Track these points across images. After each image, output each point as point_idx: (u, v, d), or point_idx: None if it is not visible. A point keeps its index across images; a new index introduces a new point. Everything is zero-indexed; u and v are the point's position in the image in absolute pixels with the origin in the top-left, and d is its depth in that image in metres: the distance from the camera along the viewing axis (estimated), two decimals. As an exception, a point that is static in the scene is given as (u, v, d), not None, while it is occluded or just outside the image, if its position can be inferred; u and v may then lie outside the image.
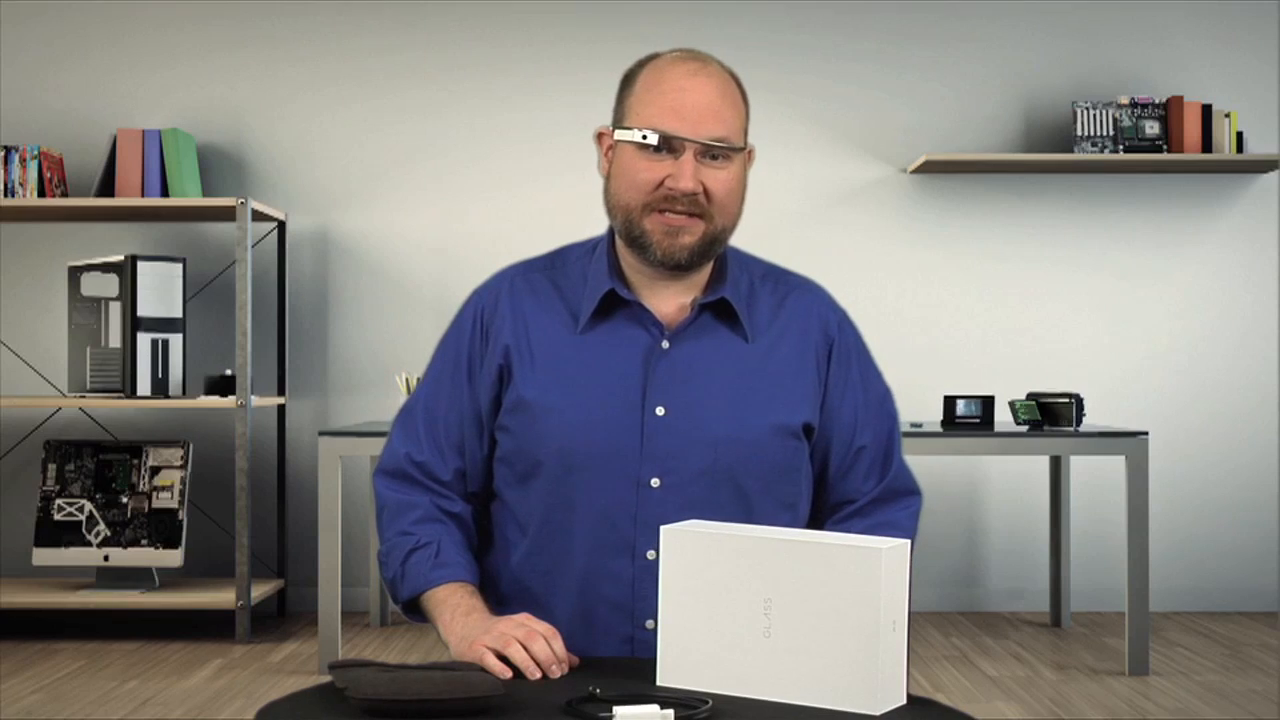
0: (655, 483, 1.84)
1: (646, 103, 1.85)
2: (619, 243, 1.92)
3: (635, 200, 1.85)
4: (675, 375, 1.87)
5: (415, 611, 1.90)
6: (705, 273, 1.92)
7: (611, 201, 1.89)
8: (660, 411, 1.85)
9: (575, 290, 1.92)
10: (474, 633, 1.73)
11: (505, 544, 1.92)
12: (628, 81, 1.90)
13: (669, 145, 1.83)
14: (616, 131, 1.88)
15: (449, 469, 1.93)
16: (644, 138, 1.83)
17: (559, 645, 1.69)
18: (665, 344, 1.88)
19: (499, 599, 1.92)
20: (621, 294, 1.89)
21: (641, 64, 1.90)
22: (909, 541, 1.59)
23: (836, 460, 1.94)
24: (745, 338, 1.90)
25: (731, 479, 1.85)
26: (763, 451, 1.86)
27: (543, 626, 1.71)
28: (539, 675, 1.66)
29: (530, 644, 1.68)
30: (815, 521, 1.98)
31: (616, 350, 1.88)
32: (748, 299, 1.93)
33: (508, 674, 1.66)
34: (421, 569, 1.87)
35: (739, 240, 2.01)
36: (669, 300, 1.91)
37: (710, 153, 1.83)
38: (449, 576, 1.85)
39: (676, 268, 1.87)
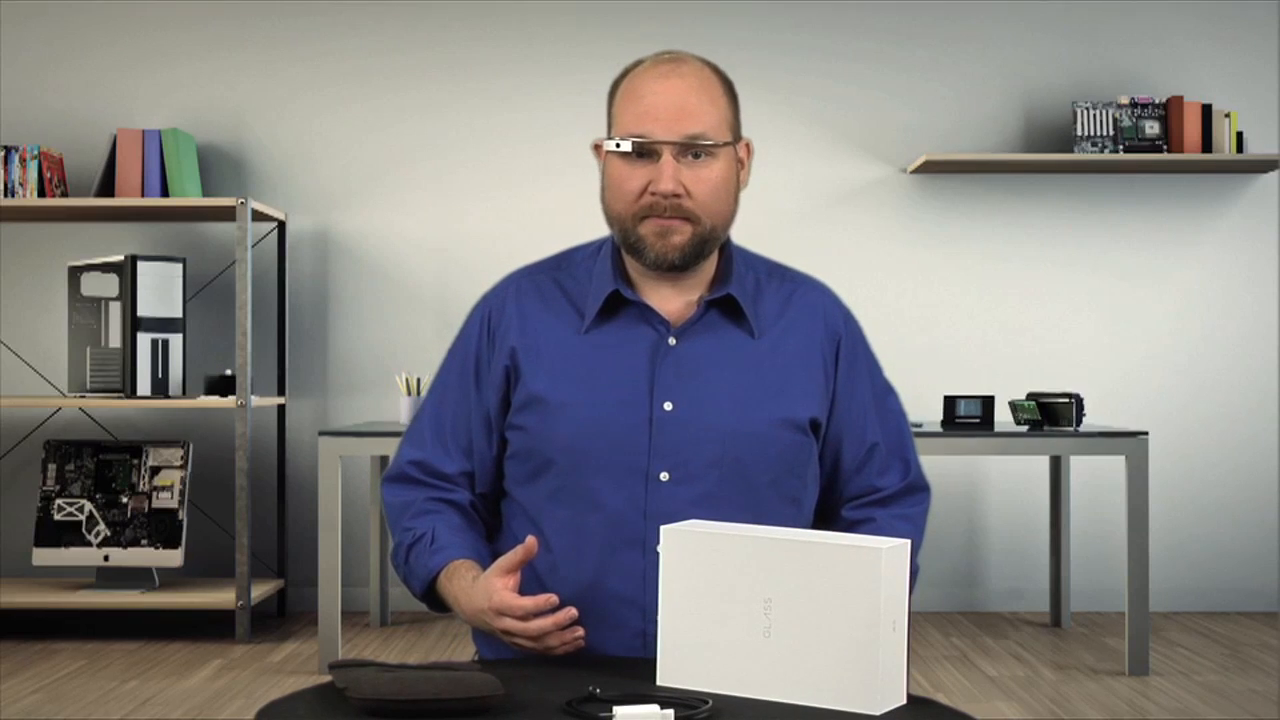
0: (664, 477, 1.86)
1: (623, 111, 1.88)
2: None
3: (625, 210, 1.88)
4: (682, 371, 1.88)
5: (437, 603, 1.92)
6: (710, 270, 1.94)
7: (606, 212, 1.92)
8: (668, 406, 1.87)
9: (581, 291, 1.94)
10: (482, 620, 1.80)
11: (515, 541, 1.92)
12: (612, 93, 1.93)
13: (647, 150, 1.85)
14: (604, 143, 1.90)
15: (454, 467, 1.96)
16: (618, 146, 1.85)
17: (535, 625, 1.72)
18: (672, 340, 1.90)
19: None
20: (626, 294, 1.91)
21: (624, 73, 1.92)
22: (909, 541, 1.60)
23: (850, 456, 1.97)
24: (751, 334, 1.92)
25: (740, 472, 1.87)
26: (770, 444, 1.88)
27: (511, 625, 1.74)
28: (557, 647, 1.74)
29: (523, 638, 1.74)
30: (827, 514, 2.01)
31: (623, 348, 1.90)
32: (754, 296, 1.94)
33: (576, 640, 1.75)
34: (421, 559, 1.90)
35: (739, 239, 2.02)
36: (674, 298, 1.93)
37: (690, 151, 1.85)
38: (443, 560, 1.88)
39: (671, 269, 1.89)
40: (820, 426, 1.93)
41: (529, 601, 1.72)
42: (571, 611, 1.73)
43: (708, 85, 1.88)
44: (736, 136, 1.91)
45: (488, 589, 1.76)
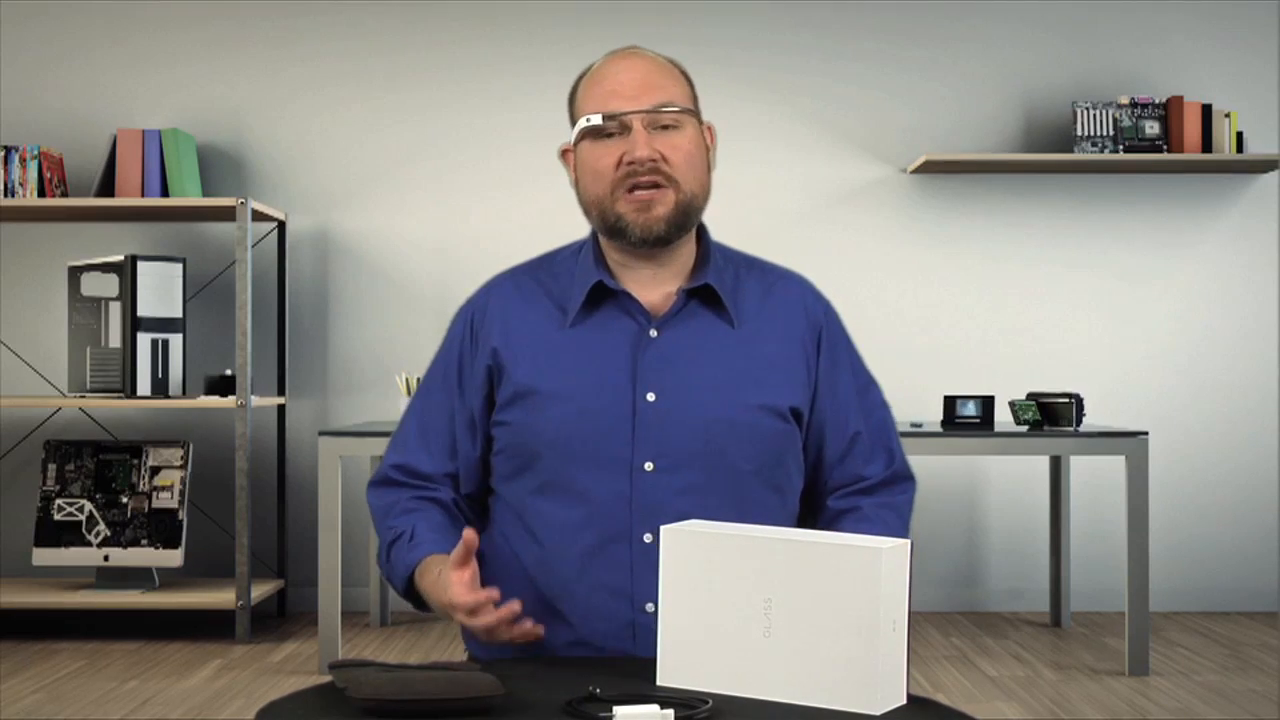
0: (649, 467, 1.87)
1: (587, 98, 1.93)
2: (602, 239, 1.97)
3: (602, 188, 1.91)
4: (664, 361, 1.90)
5: (419, 600, 1.93)
6: (689, 262, 1.97)
7: (584, 200, 1.95)
8: (651, 397, 1.89)
9: (563, 288, 1.97)
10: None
11: (504, 537, 1.94)
12: (571, 95, 1.98)
13: (618, 125, 1.89)
14: (574, 132, 1.94)
15: (436, 468, 1.98)
16: (588, 121, 1.90)
17: (480, 620, 1.74)
18: (653, 332, 1.92)
19: (502, 593, 1.93)
20: (609, 284, 1.93)
21: (580, 76, 1.99)
22: (909, 541, 1.60)
23: (833, 446, 1.98)
24: (731, 324, 1.94)
25: (723, 461, 1.88)
26: (753, 432, 1.90)
27: (463, 619, 1.76)
28: (516, 634, 1.76)
29: (480, 628, 1.76)
30: (811, 503, 2.02)
31: (605, 340, 1.92)
32: (733, 287, 1.97)
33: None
34: (401, 557, 1.92)
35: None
36: (655, 290, 1.95)
37: (659, 122, 1.90)
38: (418, 556, 1.89)
39: (657, 242, 1.91)
40: (802, 415, 1.95)
41: (470, 598, 1.74)
42: (514, 606, 1.74)
43: (665, 66, 1.95)
44: (699, 115, 1.95)
45: (446, 584, 1.78)
